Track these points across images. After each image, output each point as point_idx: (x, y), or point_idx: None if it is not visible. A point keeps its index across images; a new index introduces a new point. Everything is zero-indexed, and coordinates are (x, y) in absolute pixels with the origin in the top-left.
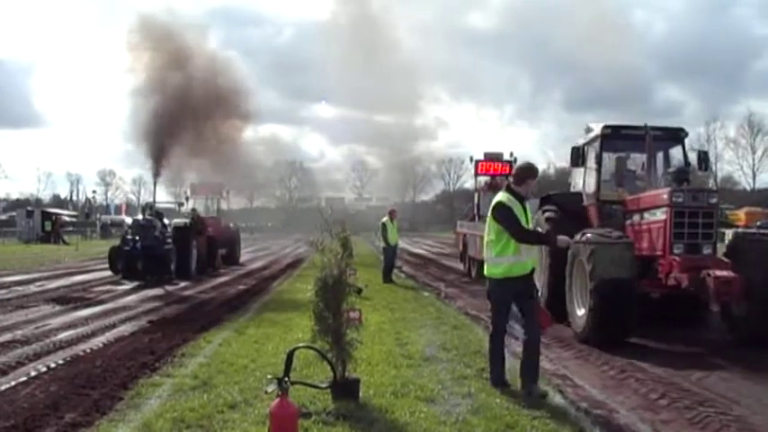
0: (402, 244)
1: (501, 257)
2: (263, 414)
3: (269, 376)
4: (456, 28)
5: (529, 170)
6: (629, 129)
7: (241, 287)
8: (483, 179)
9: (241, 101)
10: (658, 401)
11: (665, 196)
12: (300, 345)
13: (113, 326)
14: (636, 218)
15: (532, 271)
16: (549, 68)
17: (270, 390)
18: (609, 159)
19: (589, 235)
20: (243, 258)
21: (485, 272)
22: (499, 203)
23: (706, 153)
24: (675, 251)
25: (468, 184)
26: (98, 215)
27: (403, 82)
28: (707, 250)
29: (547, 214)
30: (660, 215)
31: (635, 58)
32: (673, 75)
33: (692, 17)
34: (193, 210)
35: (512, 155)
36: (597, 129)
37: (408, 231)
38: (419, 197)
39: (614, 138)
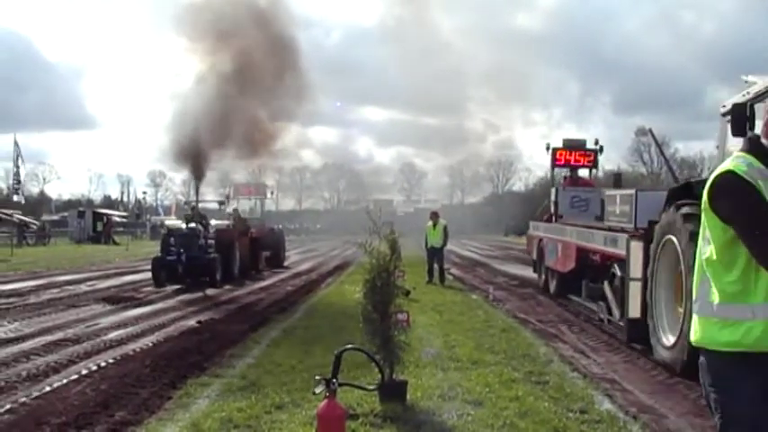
0: (450, 246)
1: (735, 306)
2: (311, 415)
3: (317, 377)
4: (503, 29)
5: None
6: None
7: (289, 288)
8: (561, 171)
9: (294, 100)
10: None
11: None
12: (348, 346)
13: (163, 326)
14: None
15: None
16: (598, 70)
17: (318, 391)
18: None
19: None
20: (290, 260)
21: (694, 336)
22: (728, 177)
23: None
24: None
25: (517, 186)
26: (148, 216)
27: (450, 84)
28: None
29: (684, 210)
30: None
31: (684, 59)
32: (723, 76)
33: (740, 17)
34: (235, 210)
35: (597, 142)
36: None
37: (457, 234)
38: (467, 199)
39: None
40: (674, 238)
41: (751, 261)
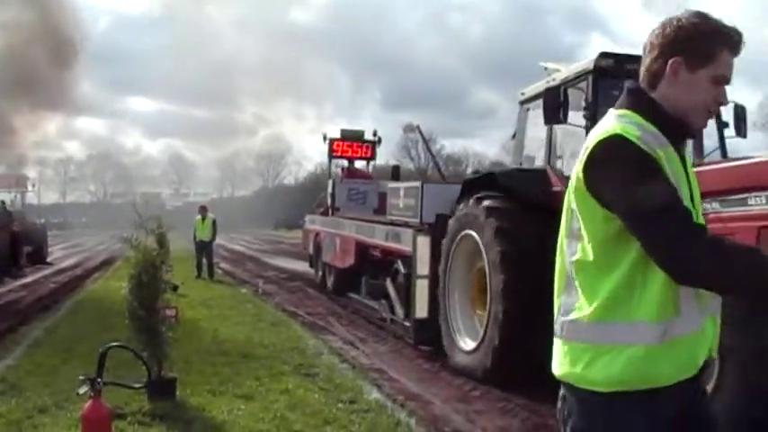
0: (219, 240)
1: (614, 326)
2: (76, 417)
3: (81, 377)
4: (276, 23)
5: (717, 33)
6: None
7: (52, 285)
8: (339, 163)
9: (55, 88)
10: (471, 393)
11: None
12: (114, 344)
13: None
14: None
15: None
16: (369, 67)
17: (82, 391)
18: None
19: None
20: (54, 256)
21: (557, 368)
22: (615, 144)
23: (743, 109)
24: None
25: (288, 180)
26: None
27: (221, 76)
28: None
29: (487, 203)
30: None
31: (451, 59)
32: (488, 77)
33: (506, 22)
34: (2, 202)
35: (375, 134)
36: (586, 61)
37: (226, 227)
38: (238, 193)
39: (615, 76)
40: (473, 234)
41: (639, 262)
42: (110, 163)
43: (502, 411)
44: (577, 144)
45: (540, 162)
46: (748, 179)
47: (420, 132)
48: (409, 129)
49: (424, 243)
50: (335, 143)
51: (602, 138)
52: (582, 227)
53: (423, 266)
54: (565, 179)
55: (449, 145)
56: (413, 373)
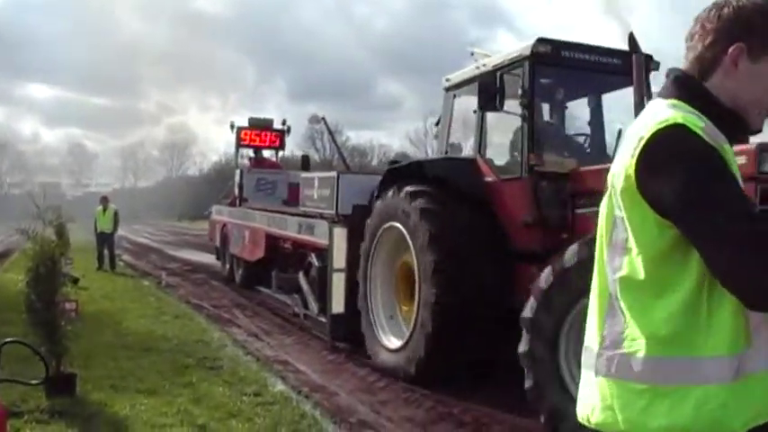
0: (121, 232)
1: (674, 361)
2: None
3: None
4: (182, 11)
5: None
6: (579, 50)
7: None
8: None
9: None
10: (376, 383)
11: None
12: (9, 339)
13: None
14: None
15: None
16: (274, 57)
17: None
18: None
19: None
20: None
21: (594, 414)
22: (679, 135)
23: None
24: None
25: (192, 171)
26: None
27: (124, 64)
28: None
29: (411, 189)
30: None
31: (358, 51)
32: (394, 69)
33: (413, 16)
34: None
35: (284, 122)
36: (522, 47)
37: (129, 219)
38: (141, 183)
39: (552, 63)
40: (398, 225)
41: (702, 281)
42: (6, 151)
43: (407, 401)
44: (507, 132)
45: (468, 151)
46: None
47: (325, 124)
48: (314, 120)
49: (340, 235)
50: (243, 132)
51: (660, 127)
52: (630, 237)
53: (339, 259)
54: (496, 169)
55: (354, 136)
56: (318, 364)
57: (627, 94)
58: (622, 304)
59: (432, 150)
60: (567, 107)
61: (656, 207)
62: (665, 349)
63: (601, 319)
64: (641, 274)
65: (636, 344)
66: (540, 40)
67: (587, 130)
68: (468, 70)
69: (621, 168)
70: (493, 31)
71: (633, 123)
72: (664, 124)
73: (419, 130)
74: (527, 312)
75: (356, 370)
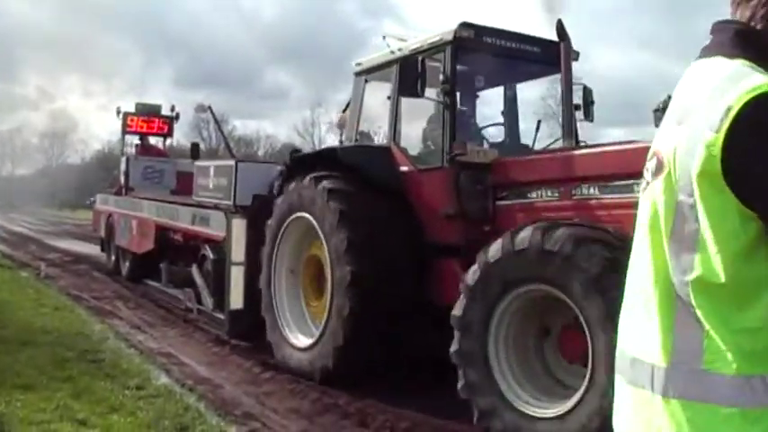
0: None
1: (765, 379)
2: None
3: None
4: None
5: None
6: (502, 36)
7: None
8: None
9: None
10: (261, 375)
11: None
12: None
13: None
14: (535, 195)
15: None
16: (161, 44)
17: None
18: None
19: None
20: None
21: None
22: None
23: (590, 91)
24: None
25: (72, 158)
26: None
27: (0, 45)
28: None
29: (327, 184)
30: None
31: (245, 40)
32: (281, 59)
33: (300, 5)
34: None
35: (173, 109)
36: (444, 31)
37: (6, 207)
38: (18, 171)
39: (474, 47)
40: (307, 216)
41: None
42: None
43: (292, 393)
44: (420, 121)
45: (380, 139)
46: (634, 164)
47: (212, 112)
48: (201, 109)
49: (239, 227)
50: (130, 118)
51: (754, 95)
52: (706, 229)
53: (238, 252)
54: (411, 158)
55: (240, 126)
56: (202, 356)
57: (538, 84)
58: (698, 312)
59: (318, 141)
60: (478, 96)
61: (742, 193)
62: (755, 366)
63: (666, 327)
64: (721, 277)
65: (719, 360)
66: (464, 25)
67: (499, 119)
68: (383, 54)
69: (698, 145)
70: (380, 21)
71: (691, 87)
72: (758, 91)
73: (306, 119)
74: (457, 311)
75: (241, 362)
